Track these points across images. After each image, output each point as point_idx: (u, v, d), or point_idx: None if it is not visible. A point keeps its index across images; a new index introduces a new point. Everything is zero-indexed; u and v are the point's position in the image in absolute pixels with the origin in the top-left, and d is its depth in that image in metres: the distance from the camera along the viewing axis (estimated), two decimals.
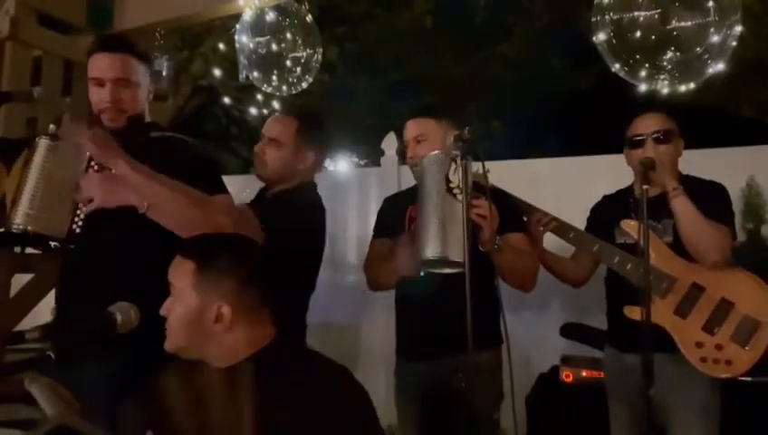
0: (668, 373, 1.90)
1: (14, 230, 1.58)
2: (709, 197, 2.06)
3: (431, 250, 1.72)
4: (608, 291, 2.26)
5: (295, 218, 1.98)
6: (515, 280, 2.02)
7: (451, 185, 1.76)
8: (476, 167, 1.89)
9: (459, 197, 1.72)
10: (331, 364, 1.35)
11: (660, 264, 2.02)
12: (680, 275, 2.02)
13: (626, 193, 2.25)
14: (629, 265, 2.05)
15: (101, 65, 1.76)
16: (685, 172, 2.22)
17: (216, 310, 1.29)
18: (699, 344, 1.96)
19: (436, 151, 1.83)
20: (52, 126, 1.74)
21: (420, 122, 2.12)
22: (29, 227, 1.59)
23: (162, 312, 1.33)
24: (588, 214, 2.38)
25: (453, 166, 1.77)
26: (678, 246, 2.04)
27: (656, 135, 2.08)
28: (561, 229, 2.17)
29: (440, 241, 1.72)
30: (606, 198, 2.34)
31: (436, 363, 2.00)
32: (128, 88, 1.77)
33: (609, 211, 2.25)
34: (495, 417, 2.00)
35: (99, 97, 1.76)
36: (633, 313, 1.98)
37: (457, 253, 1.69)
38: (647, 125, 2.12)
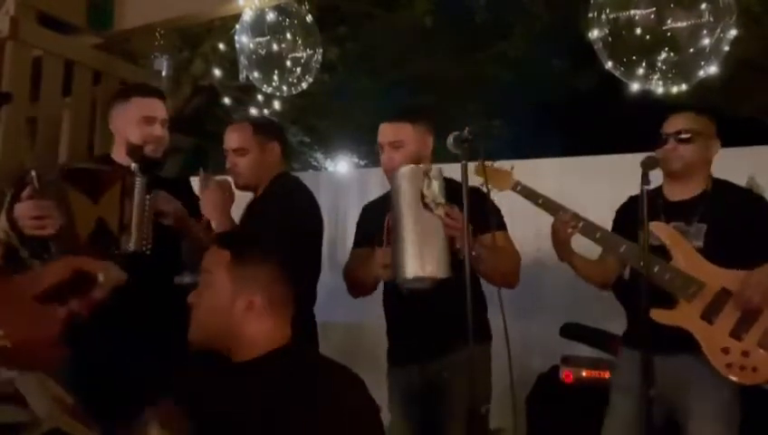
0: (691, 375, 1.90)
1: (129, 251, 1.95)
2: (756, 216, 2.04)
3: (410, 271, 1.73)
4: (629, 292, 2.22)
5: (285, 210, 2.11)
6: (494, 279, 1.96)
7: (426, 200, 1.75)
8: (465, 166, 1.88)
9: (436, 211, 1.74)
10: (342, 370, 1.36)
11: (688, 268, 1.99)
12: (709, 280, 1.97)
13: (655, 194, 2.15)
14: (657, 268, 2.00)
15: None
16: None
17: (248, 299, 1.33)
18: (725, 350, 1.92)
19: (410, 166, 1.83)
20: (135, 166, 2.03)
21: (396, 127, 2.09)
22: (142, 249, 1.96)
23: (190, 299, 1.36)
24: (587, 214, 2.36)
25: (426, 180, 1.77)
26: (709, 252, 2.01)
27: (678, 135, 2.06)
28: (587, 229, 2.10)
29: (418, 260, 1.73)
30: (632, 199, 2.25)
31: (422, 365, 2.03)
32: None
33: (635, 212, 2.19)
34: (483, 411, 1.98)
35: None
36: (660, 316, 1.95)
37: (436, 269, 1.72)
38: (672, 124, 2.09)
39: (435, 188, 1.77)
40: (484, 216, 1.89)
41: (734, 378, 1.91)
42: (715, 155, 2.12)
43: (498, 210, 2.10)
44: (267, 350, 1.34)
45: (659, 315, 1.96)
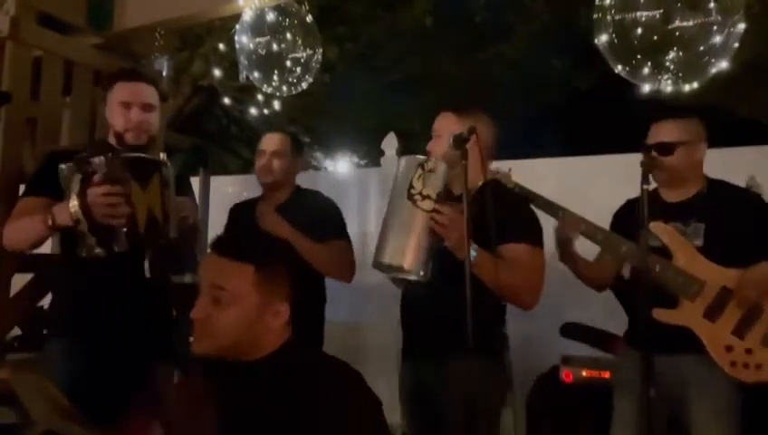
0: (694, 374, 1.91)
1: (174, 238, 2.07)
2: (753, 213, 2.04)
3: (387, 257, 1.73)
4: (630, 292, 2.23)
5: (330, 208, 2.56)
6: (505, 295, 1.90)
7: (413, 191, 1.72)
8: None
9: (420, 204, 1.71)
10: (342, 367, 1.36)
11: (689, 267, 2.00)
12: (709, 279, 1.98)
13: (652, 197, 2.13)
14: (658, 267, 2.01)
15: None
16: None
17: (275, 310, 1.32)
18: (729, 348, 1.93)
19: (409, 155, 1.81)
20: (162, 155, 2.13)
21: (440, 116, 2.05)
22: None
23: (197, 315, 1.29)
24: (587, 214, 2.36)
25: (419, 171, 1.73)
26: (708, 250, 2.01)
27: (659, 147, 2.08)
28: (589, 230, 2.12)
29: (390, 249, 1.72)
30: (630, 202, 2.30)
31: (423, 366, 1.99)
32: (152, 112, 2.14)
33: (633, 215, 2.20)
34: (482, 427, 1.82)
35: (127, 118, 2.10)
36: (663, 316, 1.96)
37: (403, 261, 1.70)
38: (653, 135, 2.11)
39: (429, 181, 1.72)
40: (506, 224, 1.82)
41: (738, 376, 1.92)
42: (703, 156, 2.13)
43: (530, 221, 1.96)
44: (272, 349, 1.34)
45: (662, 315, 1.96)
